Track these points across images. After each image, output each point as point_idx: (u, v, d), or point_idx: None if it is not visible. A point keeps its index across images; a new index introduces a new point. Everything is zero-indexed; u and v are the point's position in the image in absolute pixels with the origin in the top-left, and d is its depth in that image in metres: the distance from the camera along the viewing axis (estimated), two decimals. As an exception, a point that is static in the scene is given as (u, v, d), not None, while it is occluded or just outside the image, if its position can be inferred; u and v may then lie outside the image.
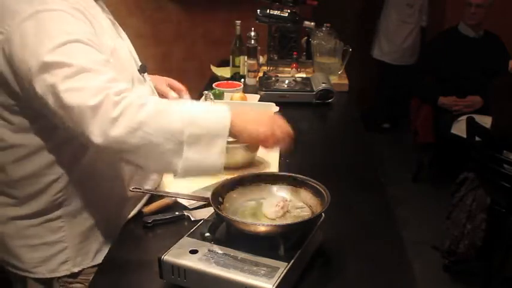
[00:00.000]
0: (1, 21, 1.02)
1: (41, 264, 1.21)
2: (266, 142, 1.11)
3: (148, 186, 1.32)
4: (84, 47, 1.02)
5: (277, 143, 1.13)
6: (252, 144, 1.22)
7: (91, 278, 1.19)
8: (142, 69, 1.30)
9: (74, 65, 0.98)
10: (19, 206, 1.17)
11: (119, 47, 1.20)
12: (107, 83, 1.00)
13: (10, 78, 1.04)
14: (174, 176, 1.04)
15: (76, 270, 1.23)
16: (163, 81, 1.60)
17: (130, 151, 1.00)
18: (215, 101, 1.96)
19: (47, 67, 0.97)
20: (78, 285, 1.26)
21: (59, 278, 1.24)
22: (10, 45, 1.01)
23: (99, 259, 1.22)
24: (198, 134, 1.01)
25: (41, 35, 0.99)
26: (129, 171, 1.26)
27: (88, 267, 1.25)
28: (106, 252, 1.22)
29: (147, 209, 1.27)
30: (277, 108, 1.93)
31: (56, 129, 1.09)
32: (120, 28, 1.30)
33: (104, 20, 1.18)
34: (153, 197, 1.32)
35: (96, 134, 0.97)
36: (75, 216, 1.20)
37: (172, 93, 1.57)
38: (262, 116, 1.14)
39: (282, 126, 1.14)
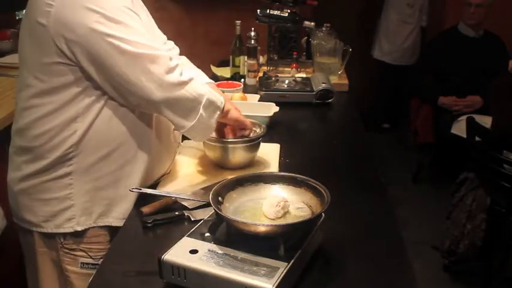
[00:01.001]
0: None
1: (50, 218, 1.29)
2: (240, 123, 1.44)
3: (162, 161, 1.43)
4: (136, 17, 1.22)
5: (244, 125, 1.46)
6: (229, 123, 1.45)
7: (94, 247, 1.33)
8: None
9: (130, 26, 1.17)
10: (34, 162, 1.27)
11: (153, 33, 1.43)
12: (160, 44, 1.33)
13: (59, 40, 1.15)
14: (183, 130, 1.29)
15: (79, 228, 1.30)
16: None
17: (168, 102, 1.22)
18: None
19: (106, 20, 1.13)
20: (81, 253, 1.32)
21: (63, 240, 1.31)
22: (63, 8, 1.13)
23: (101, 222, 1.32)
24: (212, 100, 1.30)
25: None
26: (139, 139, 1.32)
27: (90, 228, 1.31)
28: (108, 218, 1.32)
29: (147, 209, 1.27)
30: (277, 108, 1.93)
31: (82, 88, 1.21)
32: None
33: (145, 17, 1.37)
34: (153, 197, 1.32)
35: (154, 78, 1.18)
36: (82, 176, 1.27)
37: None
38: (237, 107, 1.46)
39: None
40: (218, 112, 1.33)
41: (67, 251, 1.32)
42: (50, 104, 1.22)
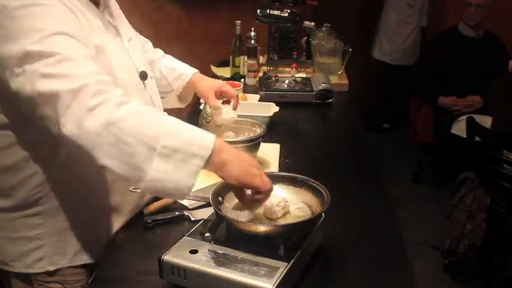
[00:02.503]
0: None
1: (18, 258, 1.21)
2: (248, 183, 1.04)
3: (133, 197, 1.28)
4: (70, 40, 1.00)
5: (257, 188, 1.05)
6: (230, 182, 1.06)
7: (70, 279, 1.23)
8: (142, 76, 1.29)
9: (58, 54, 0.96)
10: (1, 199, 1.18)
11: (110, 49, 1.16)
12: (90, 72, 0.97)
13: None
14: (136, 187, 1.00)
15: (51, 268, 1.22)
16: (211, 88, 1.53)
17: (101, 147, 0.94)
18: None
19: (30, 56, 0.95)
20: (57, 285, 1.24)
21: (36, 275, 1.23)
22: None
23: (77, 261, 1.23)
24: (175, 147, 0.96)
25: (27, 27, 0.97)
26: (111, 177, 1.21)
27: (65, 268, 1.23)
28: (86, 255, 1.23)
29: (147, 210, 1.27)
30: (277, 108, 1.93)
31: (30, 125, 1.08)
32: (126, 32, 1.30)
33: (95, 20, 1.15)
34: (154, 197, 1.32)
35: (71, 122, 0.94)
36: (53, 215, 1.19)
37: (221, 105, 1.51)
38: (251, 158, 1.09)
39: (265, 176, 1.06)
40: (198, 163, 0.97)
41: (41, 283, 1.24)
42: (6, 137, 1.12)
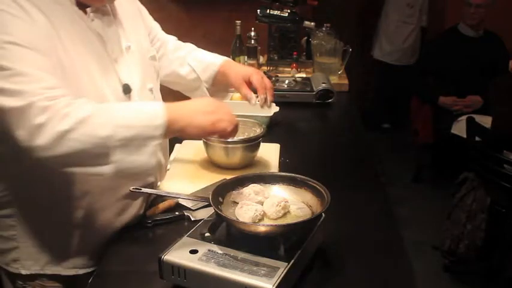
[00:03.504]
0: None
1: (0, 254, 1.22)
2: (213, 133, 1.12)
3: (109, 204, 1.21)
4: (23, 50, 0.97)
5: (223, 133, 1.12)
6: (200, 137, 1.17)
7: (49, 285, 1.22)
8: (125, 90, 1.20)
9: (10, 68, 0.95)
10: None
11: (78, 62, 1.10)
12: (40, 89, 0.96)
13: None
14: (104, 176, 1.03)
15: (24, 272, 1.21)
16: (241, 77, 1.44)
17: (58, 158, 0.97)
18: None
19: None
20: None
21: (15, 276, 1.23)
22: None
23: (50, 270, 1.21)
24: (130, 136, 1.00)
25: None
26: (82, 185, 1.16)
27: (37, 275, 1.21)
28: (59, 266, 1.20)
29: (150, 212, 1.27)
30: (277, 108, 1.93)
31: None
32: (128, 39, 1.24)
33: (67, 27, 1.09)
34: (156, 200, 1.32)
35: (23, 139, 0.95)
36: (25, 219, 1.18)
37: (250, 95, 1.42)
38: (204, 103, 1.13)
39: (227, 113, 1.12)
40: (151, 141, 1.03)
41: (23, 282, 1.24)
42: None
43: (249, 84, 1.42)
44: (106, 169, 1.01)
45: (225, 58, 1.51)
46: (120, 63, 1.20)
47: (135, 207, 1.24)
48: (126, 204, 1.22)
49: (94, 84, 1.13)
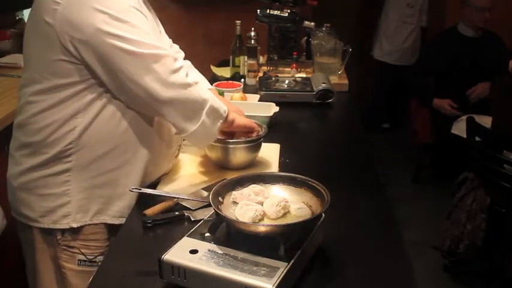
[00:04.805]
0: None
1: (47, 213, 1.30)
2: (247, 128, 1.47)
3: (160, 159, 1.41)
4: (143, 17, 1.23)
5: (255, 129, 1.49)
6: (239, 130, 1.47)
7: (91, 244, 1.33)
8: None
9: (137, 26, 1.18)
10: (33, 157, 1.28)
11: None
12: (168, 46, 1.41)
13: (65, 38, 1.16)
14: (185, 134, 1.28)
15: (74, 225, 1.30)
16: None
17: (172, 102, 1.22)
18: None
19: (113, 20, 1.14)
20: (78, 250, 1.33)
21: (60, 239, 1.32)
22: (70, 7, 1.14)
23: (97, 220, 1.32)
24: (215, 107, 1.30)
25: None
26: (139, 139, 1.32)
27: (86, 226, 1.32)
28: (104, 216, 1.32)
29: (149, 212, 1.27)
30: (277, 108, 1.93)
31: (86, 86, 1.22)
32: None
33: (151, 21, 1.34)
34: (153, 198, 1.32)
35: (158, 78, 1.18)
36: (80, 174, 1.28)
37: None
38: (239, 112, 1.49)
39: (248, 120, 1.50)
40: (221, 121, 1.33)
41: (64, 247, 1.32)
42: (51, 99, 1.23)
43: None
44: (190, 126, 1.26)
45: (209, 86, 1.71)
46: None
47: (169, 165, 1.48)
48: (169, 162, 1.46)
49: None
